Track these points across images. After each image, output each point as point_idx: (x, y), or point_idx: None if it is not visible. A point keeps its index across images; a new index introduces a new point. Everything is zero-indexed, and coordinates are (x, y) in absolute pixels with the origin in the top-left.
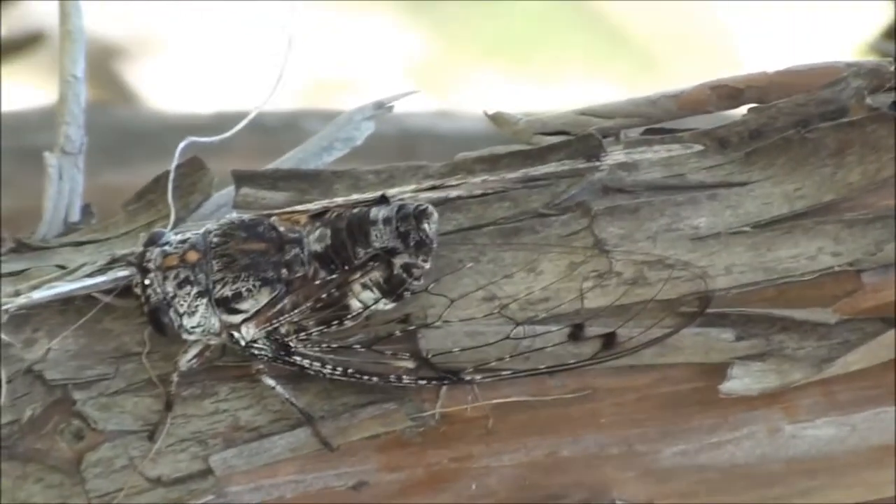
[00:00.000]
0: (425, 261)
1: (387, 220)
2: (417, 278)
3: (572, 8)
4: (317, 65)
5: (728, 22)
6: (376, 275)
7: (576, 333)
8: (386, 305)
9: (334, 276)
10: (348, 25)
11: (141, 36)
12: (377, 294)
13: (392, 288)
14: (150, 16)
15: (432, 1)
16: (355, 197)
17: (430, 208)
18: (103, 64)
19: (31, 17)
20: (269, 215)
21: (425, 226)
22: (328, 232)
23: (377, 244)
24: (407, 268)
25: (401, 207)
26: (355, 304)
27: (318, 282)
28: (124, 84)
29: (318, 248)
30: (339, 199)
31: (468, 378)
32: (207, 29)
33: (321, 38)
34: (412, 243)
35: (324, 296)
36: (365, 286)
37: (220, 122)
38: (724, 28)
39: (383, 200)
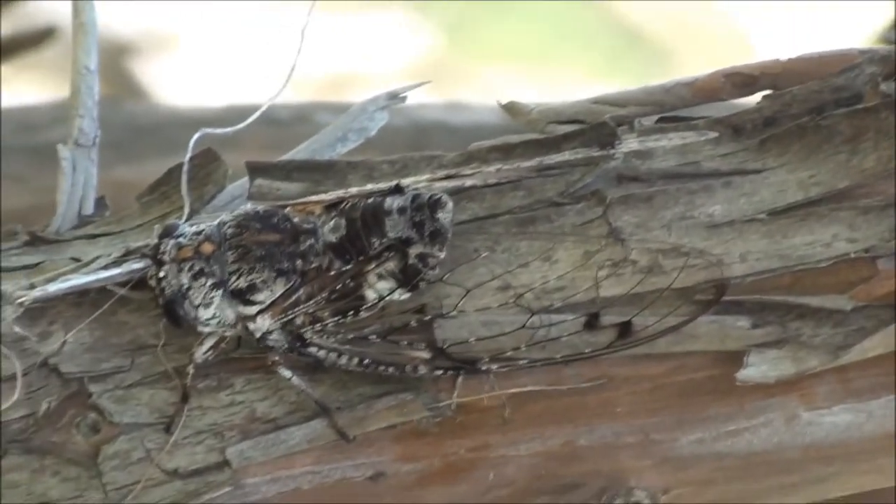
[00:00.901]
0: (440, 250)
1: (401, 210)
2: (433, 268)
3: (586, 7)
4: (327, 61)
5: (743, 21)
6: (391, 265)
7: (591, 322)
8: (401, 295)
9: (349, 266)
10: (359, 21)
11: (151, 31)
12: (393, 284)
13: (407, 278)
14: (159, 11)
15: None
16: (370, 187)
17: (445, 197)
18: (114, 60)
19: (41, 12)
20: (284, 206)
21: (440, 215)
22: (343, 222)
23: (392, 234)
24: (422, 257)
25: (415, 197)
26: (371, 295)
27: (333, 272)
28: (135, 79)
29: (332, 238)
30: (354, 190)
31: (484, 368)
32: (217, 24)
33: (332, 34)
34: (427, 233)
35: (339, 286)
36: (380, 276)
37: (231, 115)
38: (739, 27)
39: (398, 190)
